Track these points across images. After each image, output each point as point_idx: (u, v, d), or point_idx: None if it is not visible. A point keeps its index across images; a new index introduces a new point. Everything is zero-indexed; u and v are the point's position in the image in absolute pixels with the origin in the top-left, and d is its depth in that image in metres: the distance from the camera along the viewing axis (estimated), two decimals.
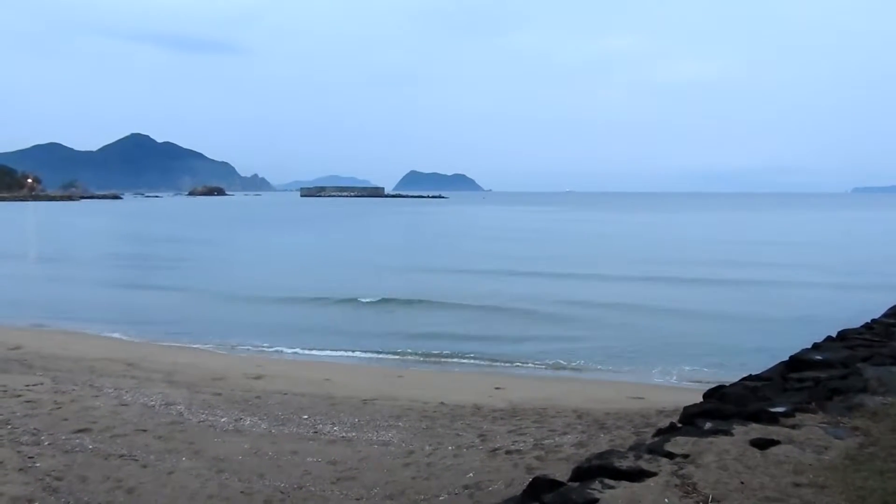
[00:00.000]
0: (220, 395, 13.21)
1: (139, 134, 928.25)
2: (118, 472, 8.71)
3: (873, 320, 12.59)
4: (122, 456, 9.30)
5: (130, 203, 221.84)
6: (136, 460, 9.15)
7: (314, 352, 19.41)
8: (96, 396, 12.63)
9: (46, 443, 9.72)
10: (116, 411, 11.65)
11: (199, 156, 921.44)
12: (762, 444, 5.94)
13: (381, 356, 18.84)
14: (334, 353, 19.22)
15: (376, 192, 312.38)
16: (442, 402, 12.73)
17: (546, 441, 9.71)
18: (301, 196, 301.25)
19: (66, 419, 10.92)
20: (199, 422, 11.15)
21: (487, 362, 18.08)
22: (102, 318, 24.03)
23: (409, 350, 19.29)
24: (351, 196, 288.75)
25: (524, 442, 9.72)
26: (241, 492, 8.16)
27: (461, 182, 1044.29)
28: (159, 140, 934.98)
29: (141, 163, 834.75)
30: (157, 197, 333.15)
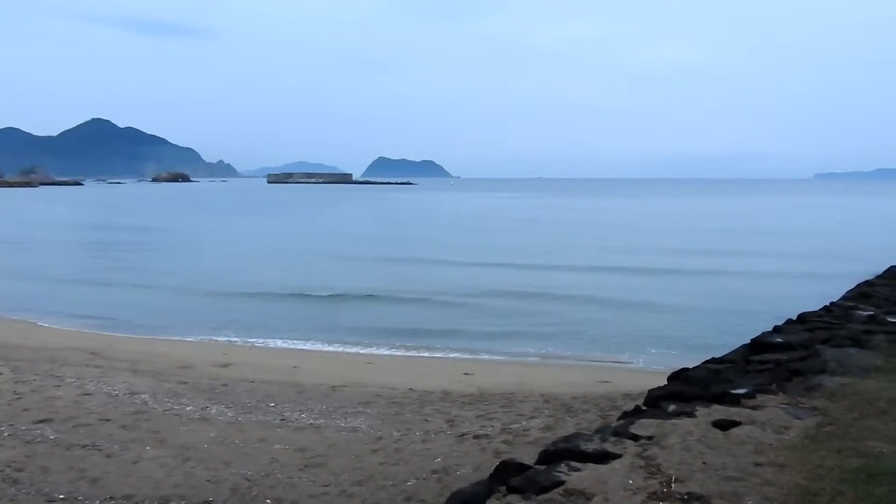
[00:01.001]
0: (186, 383, 13.06)
1: (101, 119, 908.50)
2: (81, 462, 8.59)
3: (832, 303, 12.88)
4: (84, 446, 9.17)
5: (92, 189, 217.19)
6: (100, 450, 9.03)
7: (280, 341, 19.14)
8: (58, 386, 12.41)
9: (6, 434, 9.54)
10: (79, 401, 11.47)
11: (164, 141, 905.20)
12: (724, 425, 6.05)
13: (349, 345, 18.68)
14: (302, 343, 18.99)
15: (344, 179, 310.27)
16: (411, 389, 12.76)
17: (514, 425, 9.79)
18: (268, 182, 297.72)
19: (26, 409, 10.73)
20: (165, 410, 11.03)
21: (457, 349, 18.11)
22: (60, 309, 23.38)
23: (378, 339, 19.15)
24: (319, 182, 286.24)
25: (492, 426, 9.79)
26: (208, 480, 8.09)
27: (430, 168, 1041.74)
28: (122, 125, 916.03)
29: (103, 148, 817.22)
30: (119, 183, 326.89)
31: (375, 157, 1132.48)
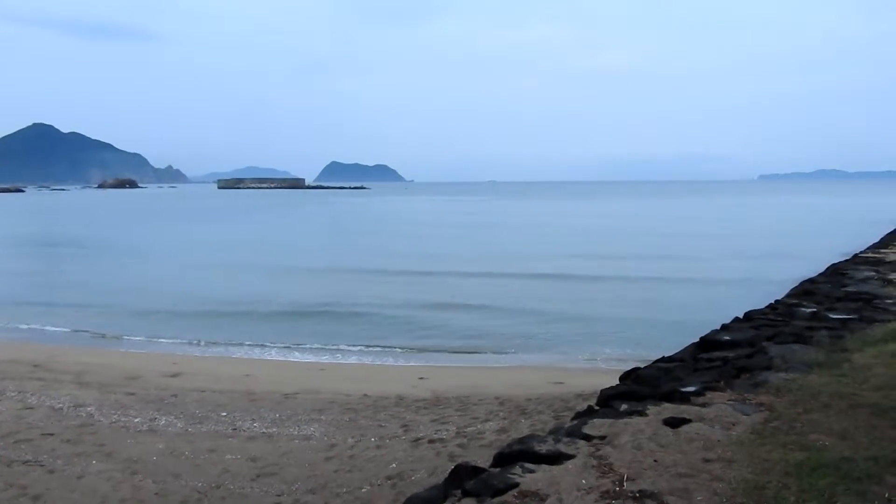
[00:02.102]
0: (133, 394, 12.73)
1: (42, 124, 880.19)
2: (22, 478, 8.29)
3: (777, 301, 13.25)
4: (26, 462, 8.86)
5: (32, 197, 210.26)
6: (42, 465, 8.73)
7: (232, 349, 18.80)
8: None
9: None
10: (20, 415, 11.09)
11: (110, 147, 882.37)
12: (674, 422, 6.16)
13: (304, 353, 18.40)
14: (256, 351, 18.60)
15: (297, 184, 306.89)
16: (365, 394, 12.65)
17: (468, 429, 9.79)
18: (218, 188, 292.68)
19: None
20: (111, 423, 10.73)
21: (410, 352, 18.04)
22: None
23: (331, 346, 18.90)
24: (270, 188, 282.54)
25: (447, 430, 9.77)
26: (156, 493, 7.89)
27: (383, 172, 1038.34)
28: (65, 130, 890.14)
29: (46, 154, 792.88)
30: (63, 190, 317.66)
31: (328, 162, 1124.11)
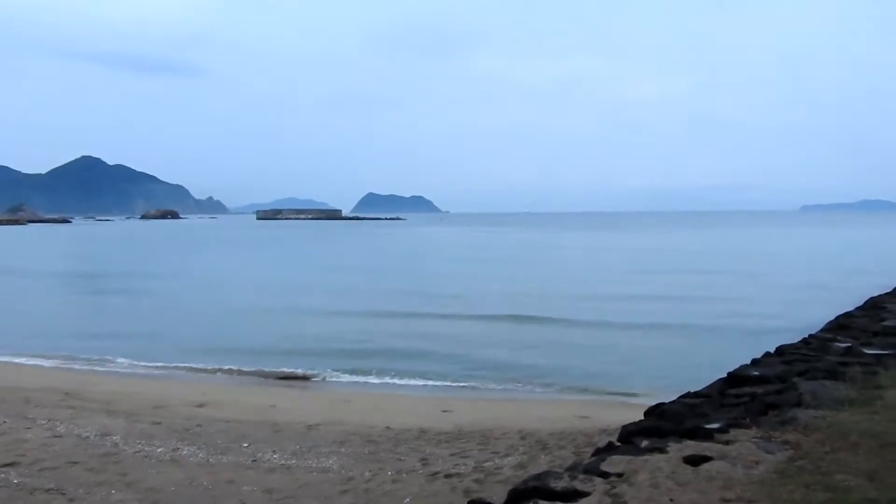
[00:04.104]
0: (159, 423, 12.80)
1: (90, 156, 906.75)
2: None
3: (811, 335, 12.88)
4: (48, 490, 8.90)
5: (78, 227, 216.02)
6: (64, 494, 8.77)
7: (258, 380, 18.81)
8: (28, 428, 12.11)
9: None
10: (48, 443, 11.19)
11: (153, 178, 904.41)
12: (695, 460, 5.97)
13: (327, 383, 18.39)
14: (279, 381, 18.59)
15: (334, 215, 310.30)
16: (388, 427, 12.54)
17: (487, 463, 9.61)
18: (257, 219, 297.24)
19: None
20: (135, 452, 10.77)
21: (437, 383, 17.89)
22: (37, 347, 22.93)
23: (360, 371, 18.85)
24: (308, 218, 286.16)
25: (465, 465, 9.60)
26: None
27: (419, 204, 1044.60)
28: (111, 163, 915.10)
29: (93, 186, 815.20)
30: (107, 220, 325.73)
31: (365, 193, 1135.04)
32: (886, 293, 19.77)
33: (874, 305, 16.56)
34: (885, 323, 13.21)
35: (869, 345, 10.98)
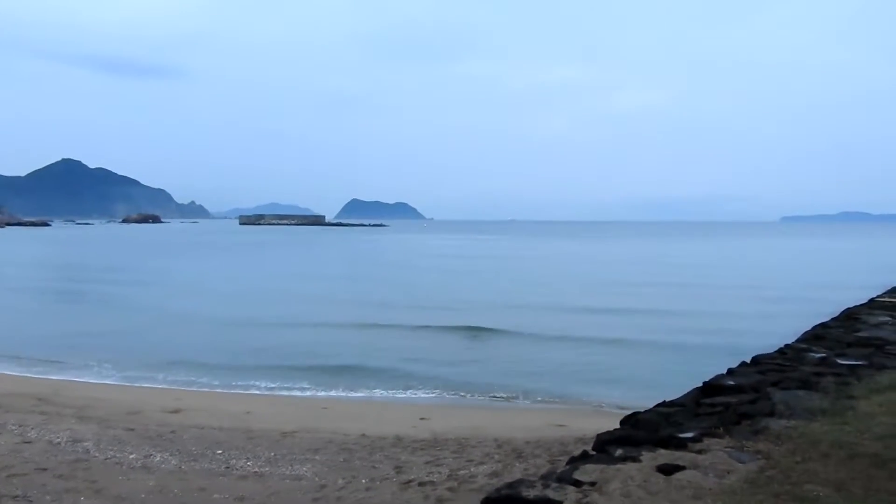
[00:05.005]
0: (132, 430, 12.64)
1: (71, 159, 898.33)
2: None
3: (786, 345, 12.92)
4: (15, 497, 8.74)
5: (57, 230, 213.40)
6: (31, 501, 8.61)
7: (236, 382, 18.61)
8: None
9: None
10: (17, 449, 11.01)
11: (135, 182, 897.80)
12: (668, 469, 5.96)
13: (304, 390, 18.18)
14: (257, 388, 18.31)
15: (317, 221, 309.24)
16: (363, 434, 12.45)
17: (461, 471, 9.56)
18: (240, 224, 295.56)
19: None
20: (106, 459, 10.62)
21: (415, 391, 17.79)
22: (9, 352, 22.49)
23: (334, 384, 18.61)
24: (291, 224, 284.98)
25: (439, 473, 9.55)
26: None
27: (403, 210, 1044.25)
28: (92, 166, 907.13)
29: (73, 189, 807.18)
30: (88, 224, 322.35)
31: (349, 199, 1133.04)
32: (862, 304, 19.91)
33: (849, 316, 16.66)
34: (860, 334, 13.29)
35: (843, 355, 11.04)
